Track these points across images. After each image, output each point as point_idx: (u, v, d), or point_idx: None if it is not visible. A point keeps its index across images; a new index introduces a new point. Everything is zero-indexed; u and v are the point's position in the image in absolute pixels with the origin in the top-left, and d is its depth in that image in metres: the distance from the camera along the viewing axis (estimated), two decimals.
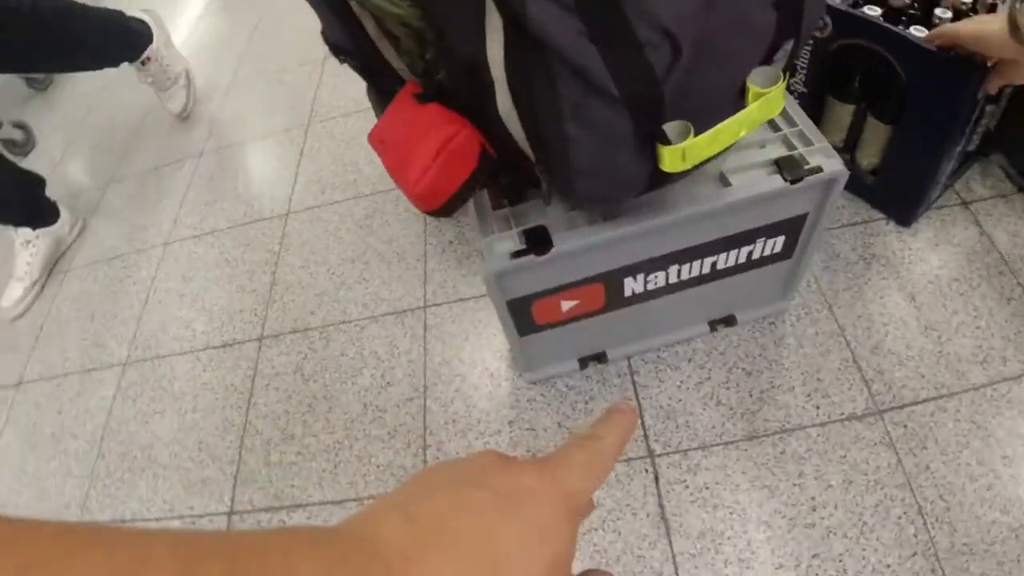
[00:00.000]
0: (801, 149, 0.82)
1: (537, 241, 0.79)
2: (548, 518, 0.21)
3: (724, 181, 0.82)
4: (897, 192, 1.13)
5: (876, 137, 1.08)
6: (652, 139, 0.61)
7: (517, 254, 0.79)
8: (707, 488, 0.92)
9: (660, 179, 0.66)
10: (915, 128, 1.01)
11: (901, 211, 1.14)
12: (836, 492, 0.89)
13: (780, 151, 0.83)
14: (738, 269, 0.95)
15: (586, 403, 1.04)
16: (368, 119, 1.58)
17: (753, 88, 0.63)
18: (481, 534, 0.19)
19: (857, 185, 1.17)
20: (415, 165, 0.67)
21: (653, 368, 1.06)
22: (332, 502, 1.02)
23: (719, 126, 0.61)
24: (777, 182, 0.80)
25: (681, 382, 1.03)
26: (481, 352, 1.13)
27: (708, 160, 0.70)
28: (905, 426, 0.93)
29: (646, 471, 0.95)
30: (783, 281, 1.02)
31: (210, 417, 1.17)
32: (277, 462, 1.08)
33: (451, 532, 0.19)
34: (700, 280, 0.95)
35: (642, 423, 1.00)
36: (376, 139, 0.74)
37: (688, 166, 0.63)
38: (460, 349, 1.14)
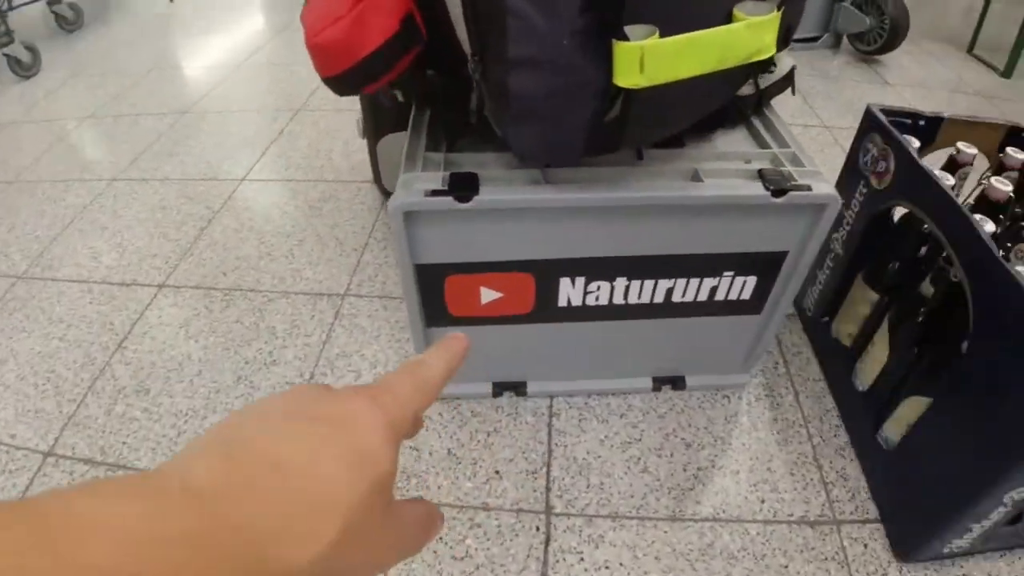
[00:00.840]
0: (790, 168, 0.70)
1: (462, 185, 0.66)
2: (370, 442, 0.20)
3: (696, 178, 0.69)
4: (901, 499, 0.75)
5: (909, 411, 0.73)
6: (605, 31, 0.49)
7: (435, 193, 0.65)
8: (607, 567, 0.72)
9: (615, 100, 0.53)
10: (968, 416, 0.64)
11: (900, 532, 0.74)
12: None
13: (766, 166, 0.71)
14: (698, 309, 0.80)
15: (487, 435, 0.85)
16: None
17: (738, 14, 0.52)
18: (303, 463, 0.19)
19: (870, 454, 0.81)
20: (330, 14, 0.55)
21: (576, 415, 0.88)
22: None
23: (692, 34, 0.49)
24: (756, 190, 0.67)
25: (606, 437, 0.85)
26: (386, 352, 0.96)
27: (683, 104, 0.58)
28: (866, 545, 0.73)
29: (537, 529, 0.76)
30: (746, 346, 0.86)
31: (74, 350, 0.99)
32: (119, 414, 0.89)
33: (272, 465, 0.18)
34: (652, 311, 0.79)
35: (547, 474, 0.81)
36: (304, 8, 0.63)
37: (646, 82, 0.50)
38: (365, 345, 0.97)
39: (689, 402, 0.89)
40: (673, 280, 0.76)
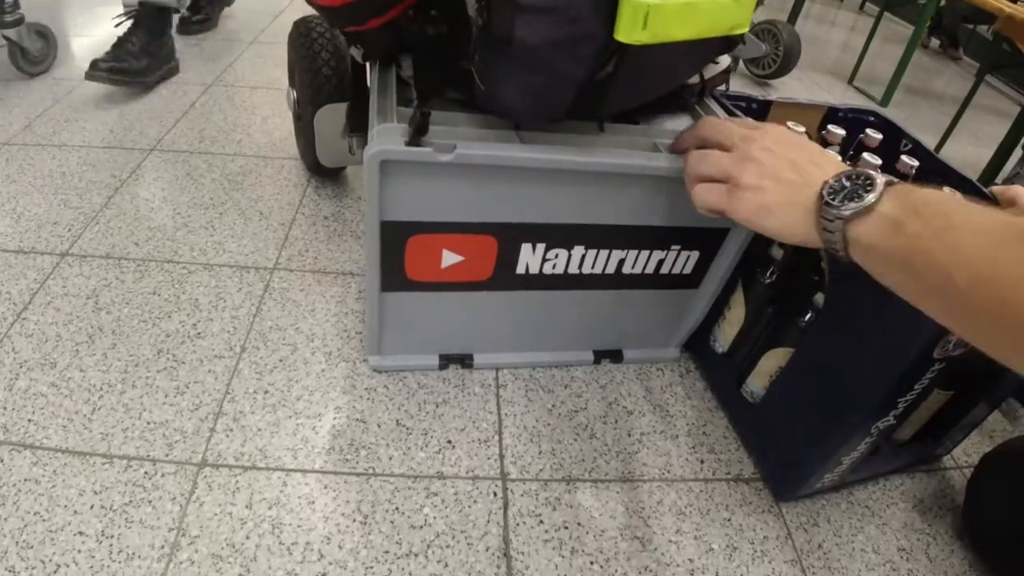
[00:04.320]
0: None
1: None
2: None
3: (655, 150, 0.73)
4: (774, 445, 0.82)
5: (771, 362, 0.81)
6: None
7: (414, 139, 0.64)
8: (566, 528, 0.73)
9: (611, 58, 0.55)
10: (814, 360, 0.74)
11: (775, 476, 0.81)
12: (719, 558, 0.72)
13: None
14: (644, 282, 0.84)
15: (436, 406, 0.84)
16: (275, 96, 1.52)
17: None
18: None
19: (737, 409, 0.89)
20: None
21: (523, 386, 0.89)
22: (72, 451, 0.74)
23: None
24: None
25: (553, 406, 0.87)
26: (324, 327, 0.93)
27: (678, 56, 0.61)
28: (795, 499, 0.80)
29: (494, 494, 0.75)
30: (680, 321, 0.91)
31: None
32: (23, 389, 0.79)
33: None
34: (601, 282, 0.82)
35: (499, 442, 0.81)
36: None
37: (647, 39, 0.53)
38: (300, 319, 0.93)
39: (627, 374, 0.93)
40: (626, 251, 0.80)
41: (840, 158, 0.66)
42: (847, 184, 0.49)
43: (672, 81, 0.68)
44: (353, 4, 0.58)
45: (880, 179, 0.48)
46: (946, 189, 0.61)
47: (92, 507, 0.68)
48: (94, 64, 1.37)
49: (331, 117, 1.02)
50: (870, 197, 0.47)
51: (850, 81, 2.25)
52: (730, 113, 0.85)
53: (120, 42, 1.44)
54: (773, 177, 0.55)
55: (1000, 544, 0.75)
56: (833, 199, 0.49)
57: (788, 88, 2.07)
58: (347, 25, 0.62)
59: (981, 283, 0.38)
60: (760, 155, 0.56)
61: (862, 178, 0.49)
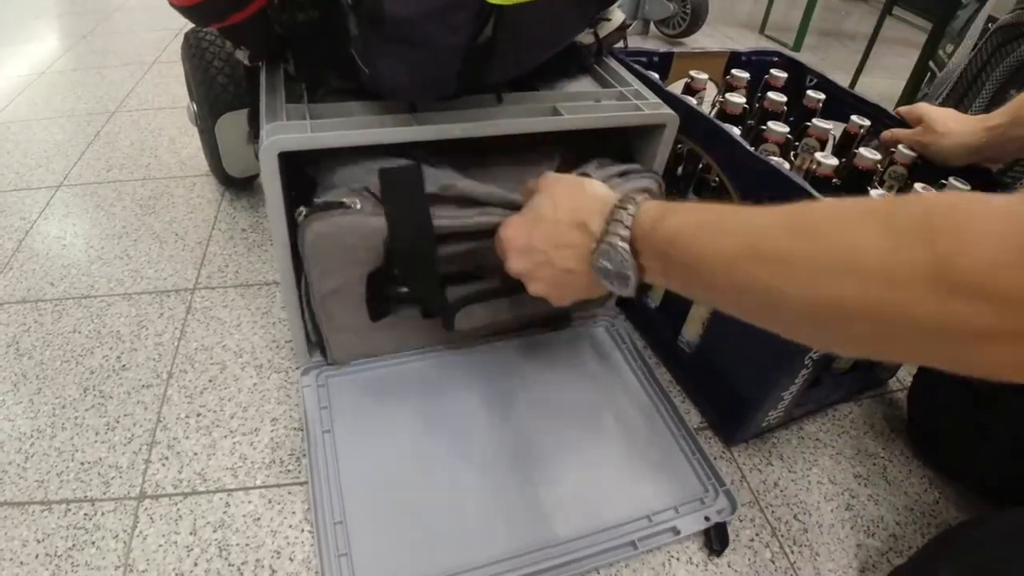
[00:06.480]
0: (635, 101, 0.76)
1: None
2: None
3: (556, 112, 0.72)
4: (715, 390, 0.82)
5: (701, 309, 0.82)
6: None
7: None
8: None
9: (487, 21, 0.54)
10: None
11: (722, 422, 0.83)
12: None
13: (613, 103, 0.77)
14: None
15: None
16: (181, 115, 1.48)
17: None
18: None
19: (677, 362, 0.90)
20: None
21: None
22: (10, 503, 0.71)
23: None
24: (613, 111, 0.73)
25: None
26: (252, 340, 0.91)
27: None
28: (745, 441, 0.81)
29: None
30: None
31: None
32: None
33: None
34: None
35: None
36: None
37: None
38: (226, 336, 0.91)
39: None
40: None
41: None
42: (610, 268, 0.50)
43: (558, 40, 0.67)
44: (201, 4, 0.55)
45: (623, 248, 0.48)
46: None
47: (37, 556, 0.66)
48: None
49: (233, 125, 0.99)
50: (629, 266, 0.48)
51: (761, 31, 2.30)
52: (630, 70, 0.84)
53: None
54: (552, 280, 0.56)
55: (945, 444, 0.77)
56: (609, 281, 0.51)
57: (700, 44, 2.09)
58: (210, 23, 0.59)
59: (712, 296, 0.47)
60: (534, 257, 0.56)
61: (618, 255, 0.49)
